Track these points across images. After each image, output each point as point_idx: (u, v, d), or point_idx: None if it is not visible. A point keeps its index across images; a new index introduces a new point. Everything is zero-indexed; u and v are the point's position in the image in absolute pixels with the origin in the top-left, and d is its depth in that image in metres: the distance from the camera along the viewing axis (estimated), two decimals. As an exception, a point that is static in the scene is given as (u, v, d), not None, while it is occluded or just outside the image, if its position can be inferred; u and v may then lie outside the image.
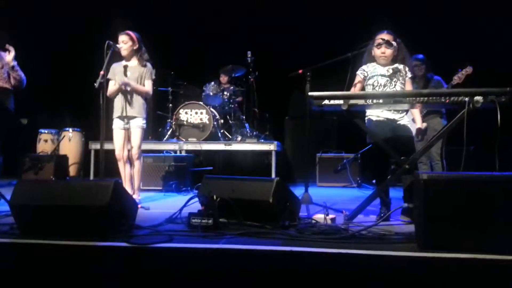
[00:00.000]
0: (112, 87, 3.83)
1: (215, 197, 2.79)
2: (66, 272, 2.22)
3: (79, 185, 2.65)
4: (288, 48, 6.57)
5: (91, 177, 5.59)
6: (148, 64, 3.89)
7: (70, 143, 6.24)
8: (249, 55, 6.18)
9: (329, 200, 3.80)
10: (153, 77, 3.93)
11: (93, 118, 4.15)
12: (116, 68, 3.84)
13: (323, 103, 2.90)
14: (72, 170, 6.18)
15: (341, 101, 2.88)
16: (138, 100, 3.83)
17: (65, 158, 5.98)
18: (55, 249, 2.25)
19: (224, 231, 2.56)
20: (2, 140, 4.64)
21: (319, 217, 2.92)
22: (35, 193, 2.57)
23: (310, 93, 2.99)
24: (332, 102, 2.89)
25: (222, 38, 6.72)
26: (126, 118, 3.80)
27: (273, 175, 5.36)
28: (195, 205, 2.95)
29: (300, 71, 3.94)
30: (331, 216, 2.92)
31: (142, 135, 3.87)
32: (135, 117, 3.81)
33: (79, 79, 5.93)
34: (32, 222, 2.51)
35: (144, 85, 3.85)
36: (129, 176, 3.88)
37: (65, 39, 6.87)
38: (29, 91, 4.72)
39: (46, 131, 6.30)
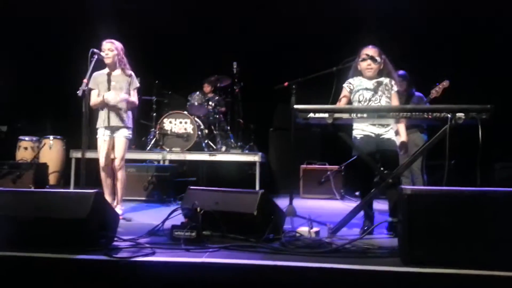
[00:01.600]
0: (95, 98, 3.73)
1: (198, 209, 2.76)
2: (43, 286, 2.15)
3: (58, 196, 2.58)
4: (274, 60, 6.60)
5: (72, 186, 5.48)
6: (133, 74, 3.87)
7: (51, 151, 6.12)
8: (234, 66, 6.19)
9: (313, 212, 3.79)
10: (138, 85, 3.91)
11: (75, 126, 4.07)
12: (99, 78, 3.75)
13: (308, 116, 2.91)
14: (52, 179, 6.05)
15: (326, 115, 2.89)
16: (123, 110, 3.78)
17: (45, 166, 5.83)
18: (31, 262, 2.18)
19: (207, 244, 2.53)
20: None
21: (304, 230, 2.92)
22: (12, 204, 2.50)
23: (295, 106, 3.00)
24: (317, 115, 2.90)
25: (208, 48, 6.71)
26: (111, 129, 3.75)
27: (257, 186, 5.34)
28: (178, 217, 2.91)
29: (286, 83, 3.96)
30: (315, 229, 2.92)
31: (127, 146, 3.83)
32: (120, 127, 3.76)
33: (61, 86, 5.84)
34: (8, 233, 2.43)
35: (130, 95, 3.80)
36: (111, 187, 3.82)
37: (47, 44, 6.76)
38: (9, 97, 4.61)
39: (26, 138, 6.14)
